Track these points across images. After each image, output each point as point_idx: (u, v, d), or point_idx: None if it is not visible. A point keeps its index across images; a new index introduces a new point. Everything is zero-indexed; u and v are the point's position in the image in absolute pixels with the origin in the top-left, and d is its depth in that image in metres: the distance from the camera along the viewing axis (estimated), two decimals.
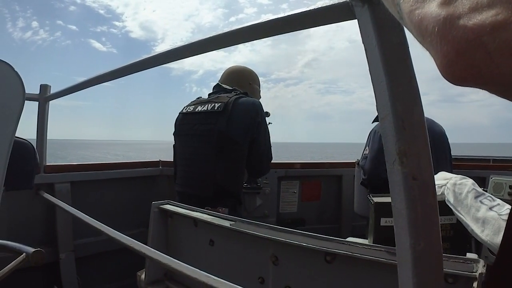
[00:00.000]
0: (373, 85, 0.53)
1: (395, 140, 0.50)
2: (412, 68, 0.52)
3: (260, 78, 2.06)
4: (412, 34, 0.26)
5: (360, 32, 0.54)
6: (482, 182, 2.30)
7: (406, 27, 0.28)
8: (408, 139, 0.50)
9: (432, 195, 0.51)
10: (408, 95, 0.51)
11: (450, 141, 1.85)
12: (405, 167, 0.50)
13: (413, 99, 0.51)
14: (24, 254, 1.15)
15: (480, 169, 2.46)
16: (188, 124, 1.78)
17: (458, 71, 0.21)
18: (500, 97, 0.22)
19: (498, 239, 0.76)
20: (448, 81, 0.22)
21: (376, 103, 0.52)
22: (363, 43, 0.54)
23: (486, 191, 1.98)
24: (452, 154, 1.90)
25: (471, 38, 0.19)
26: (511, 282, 0.50)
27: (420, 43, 0.25)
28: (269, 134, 1.82)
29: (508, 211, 0.79)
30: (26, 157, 1.30)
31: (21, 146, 1.28)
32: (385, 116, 0.51)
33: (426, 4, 0.23)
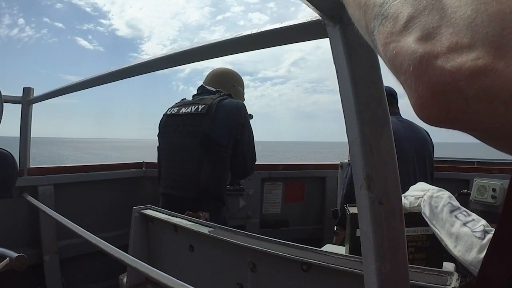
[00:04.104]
0: (342, 107, 0.52)
1: (362, 165, 0.50)
2: (382, 91, 0.52)
3: (246, 77, 2.06)
4: (387, 67, 0.25)
5: (332, 52, 0.53)
6: (466, 184, 2.32)
7: (380, 57, 0.26)
8: (375, 164, 0.50)
9: (399, 219, 0.51)
10: (377, 120, 0.50)
11: (437, 140, 1.84)
12: (372, 191, 0.50)
13: (382, 124, 0.51)
14: (7, 258, 1.14)
15: (465, 171, 2.47)
16: (172, 126, 1.78)
17: (433, 114, 0.20)
18: (479, 140, 0.21)
19: (470, 256, 0.77)
20: (423, 121, 0.21)
21: (346, 125, 0.52)
22: (334, 63, 0.53)
23: (470, 193, 2.00)
24: (437, 155, 1.90)
25: (448, 82, 0.18)
26: None
27: (395, 77, 0.23)
28: (253, 136, 1.82)
29: (482, 227, 0.80)
30: (5, 167, 1.29)
31: (0, 156, 1.27)
32: (353, 140, 0.50)
33: (402, 38, 0.21)
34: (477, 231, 0.78)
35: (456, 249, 0.80)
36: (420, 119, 0.21)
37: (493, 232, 0.78)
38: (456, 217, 0.84)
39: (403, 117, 1.91)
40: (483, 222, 0.82)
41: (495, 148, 0.21)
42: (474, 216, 0.84)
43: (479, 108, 0.18)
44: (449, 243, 0.82)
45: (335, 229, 1.74)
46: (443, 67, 0.19)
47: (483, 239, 0.77)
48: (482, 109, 0.18)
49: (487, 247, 0.76)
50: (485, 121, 0.18)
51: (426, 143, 1.81)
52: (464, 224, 0.81)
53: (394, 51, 0.22)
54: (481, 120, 0.18)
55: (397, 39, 0.22)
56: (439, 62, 0.19)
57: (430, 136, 1.90)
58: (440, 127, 0.21)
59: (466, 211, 0.86)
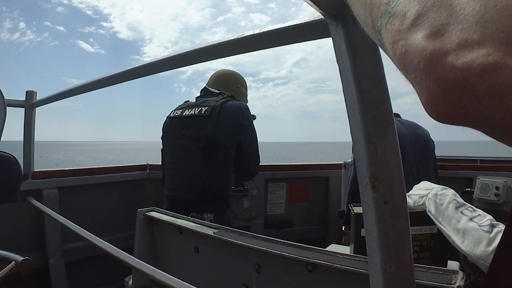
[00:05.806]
0: (346, 107, 0.52)
1: (367, 164, 0.50)
2: (386, 91, 0.52)
3: (248, 78, 2.06)
4: (395, 65, 0.24)
5: (335, 51, 0.53)
6: (469, 182, 2.31)
7: (388, 56, 0.26)
8: (380, 164, 0.49)
9: (404, 218, 0.51)
10: (381, 119, 0.50)
11: (439, 139, 1.84)
12: (377, 191, 0.49)
13: (386, 123, 0.51)
14: (13, 262, 1.15)
15: (468, 169, 2.46)
16: (176, 128, 1.78)
17: (443, 111, 0.20)
18: (490, 137, 0.21)
19: (478, 250, 0.77)
20: (433, 119, 0.21)
21: (349, 125, 0.52)
22: (337, 63, 0.53)
23: (473, 192, 2.00)
24: (440, 154, 1.90)
25: (458, 78, 0.18)
26: None
27: (404, 75, 0.23)
28: (256, 137, 1.82)
29: (489, 222, 0.80)
30: (10, 171, 1.29)
31: (4, 160, 1.27)
32: (357, 139, 0.50)
33: (410, 35, 0.21)
34: (484, 225, 0.78)
35: (463, 244, 0.80)
36: (431, 116, 0.21)
37: (500, 226, 0.78)
38: (462, 213, 0.84)
39: (404, 115, 1.92)
40: (489, 216, 0.82)
41: (505, 144, 0.21)
42: (479, 211, 0.84)
43: (490, 105, 0.18)
44: (456, 239, 0.82)
45: (343, 229, 1.74)
46: (454, 64, 0.18)
47: (490, 232, 0.77)
48: (493, 105, 0.18)
49: (495, 240, 0.76)
50: (496, 117, 0.18)
51: (428, 142, 1.81)
52: (471, 219, 0.81)
53: (403, 49, 0.22)
54: (492, 117, 0.18)
55: (405, 37, 0.21)
56: (449, 59, 0.19)
57: (430, 135, 1.90)
58: (451, 124, 0.21)
59: (471, 207, 0.86)
